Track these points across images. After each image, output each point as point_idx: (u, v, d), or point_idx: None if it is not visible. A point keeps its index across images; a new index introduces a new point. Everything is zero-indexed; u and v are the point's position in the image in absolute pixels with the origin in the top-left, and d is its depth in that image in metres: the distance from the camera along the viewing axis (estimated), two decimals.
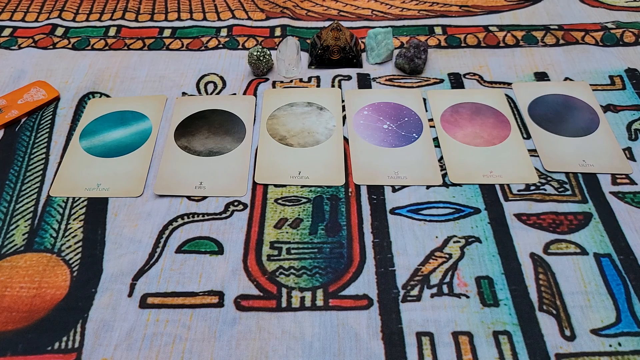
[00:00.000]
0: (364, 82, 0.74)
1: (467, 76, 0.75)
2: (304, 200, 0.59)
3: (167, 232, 0.57)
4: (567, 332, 0.48)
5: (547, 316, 0.49)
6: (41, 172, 0.63)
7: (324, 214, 0.58)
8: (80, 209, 0.59)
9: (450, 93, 0.72)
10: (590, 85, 0.72)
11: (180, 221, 0.58)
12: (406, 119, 0.68)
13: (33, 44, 0.82)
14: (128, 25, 0.86)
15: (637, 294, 0.51)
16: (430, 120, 0.68)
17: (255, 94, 0.73)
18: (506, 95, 0.71)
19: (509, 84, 0.73)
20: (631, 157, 0.63)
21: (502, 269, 0.53)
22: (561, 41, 0.80)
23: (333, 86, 0.74)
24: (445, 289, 0.51)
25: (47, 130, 0.69)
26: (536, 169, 0.62)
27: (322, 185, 0.61)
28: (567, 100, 0.70)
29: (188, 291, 0.52)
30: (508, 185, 0.60)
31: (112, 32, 0.85)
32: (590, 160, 0.62)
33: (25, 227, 0.58)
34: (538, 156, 0.63)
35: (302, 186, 0.61)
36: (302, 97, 0.72)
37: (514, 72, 0.75)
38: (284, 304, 0.51)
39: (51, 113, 0.71)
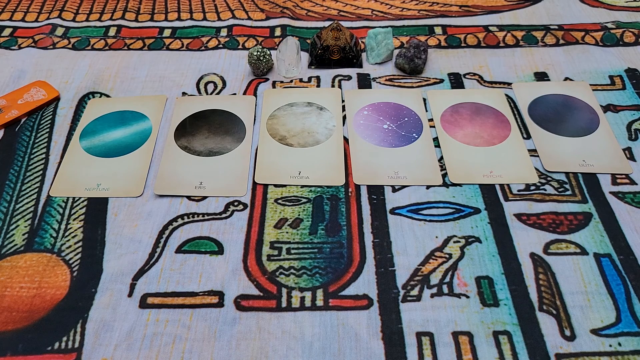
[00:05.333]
0: (364, 82, 0.74)
1: (467, 76, 0.75)
2: (304, 200, 0.59)
3: (167, 232, 0.57)
4: (567, 332, 0.48)
5: (547, 316, 0.49)
6: (41, 172, 0.63)
7: (324, 214, 0.58)
8: (80, 209, 0.59)
9: (450, 93, 0.72)
10: (590, 85, 0.72)
11: (180, 221, 0.58)
12: (406, 119, 0.68)
13: (33, 44, 0.82)
14: (128, 25, 0.86)
15: (637, 294, 0.51)
16: (430, 120, 0.68)
17: (255, 94, 0.73)
18: (506, 95, 0.71)
19: (509, 84, 0.73)
20: (631, 157, 0.63)
21: (502, 269, 0.53)
22: (561, 41, 0.80)
23: (333, 86, 0.74)
24: (445, 289, 0.51)
25: (47, 130, 0.69)
26: (536, 169, 0.62)
27: (322, 185, 0.61)
28: (567, 100, 0.70)
29: (188, 291, 0.52)
30: (508, 185, 0.60)
31: (112, 32, 0.85)
32: (590, 160, 0.62)
33: (25, 227, 0.58)
34: (538, 156, 0.63)
35: (302, 186, 0.61)
36: (302, 97, 0.72)
37: (514, 72, 0.75)
38: (284, 304, 0.51)
39: (51, 113, 0.71)
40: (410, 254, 0.54)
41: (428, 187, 0.60)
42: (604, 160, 0.62)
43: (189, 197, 0.60)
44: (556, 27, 0.83)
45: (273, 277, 0.53)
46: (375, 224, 0.57)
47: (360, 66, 0.77)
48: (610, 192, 0.59)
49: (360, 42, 0.80)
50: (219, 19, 0.87)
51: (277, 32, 0.84)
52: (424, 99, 0.71)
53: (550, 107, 0.69)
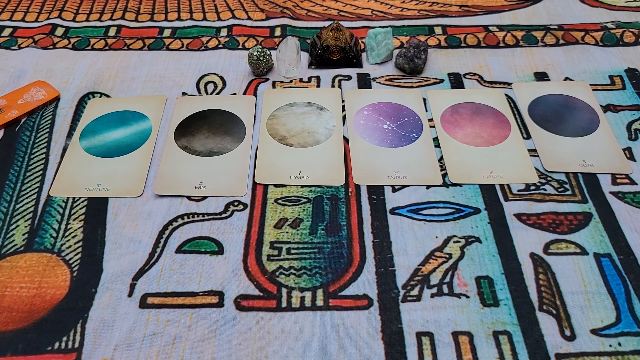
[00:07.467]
0: (364, 82, 0.74)
1: (467, 76, 0.75)
2: (304, 200, 0.59)
3: (167, 232, 0.57)
4: (567, 332, 0.48)
5: (547, 316, 0.49)
6: (41, 172, 0.63)
7: (324, 214, 0.58)
8: (80, 209, 0.59)
9: (450, 93, 0.72)
10: (590, 85, 0.72)
11: (180, 221, 0.58)
12: (406, 119, 0.68)
13: (33, 44, 0.82)
14: (128, 25, 0.86)
15: (637, 294, 0.51)
16: (430, 120, 0.68)
17: (255, 94, 0.73)
18: (506, 95, 0.71)
19: (509, 84, 0.73)
20: (631, 157, 0.63)
21: (502, 269, 0.53)
22: (561, 41, 0.80)
23: (333, 86, 0.74)
24: (445, 289, 0.51)
25: (47, 130, 0.69)
26: (536, 169, 0.62)
27: (322, 185, 0.61)
28: (567, 100, 0.70)
29: (188, 291, 0.52)
30: (508, 185, 0.60)
31: (112, 32, 0.85)
32: (590, 160, 0.62)
33: (25, 227, 0.58)
34: (538, 156, 0.63)
35: (302, 186, 0.61)
36: (302, 97, 0.72)
37: (514, 72, 0.75)
38: (284, 304, 0.51)
39: (51, 113, 0.71)
40: (410, 254, 0.54)
41: (428, 187, 0.60)
42: (604, 160, 0.62)
43: (189, 197, 0.60)
44: (556, 27, 0.83)
45: (273, 277, 0.53)
46: (375, 224, 0.57)
47: (360, 66, 0.77)
48: (610, 192, 0.59)
49: (360, 42, 0.80)
50: (219, 19, 0.87)
51: (277, 32, 0.84)
52: (424, 99, 0.71)
53: (550, 107, 0.69)
